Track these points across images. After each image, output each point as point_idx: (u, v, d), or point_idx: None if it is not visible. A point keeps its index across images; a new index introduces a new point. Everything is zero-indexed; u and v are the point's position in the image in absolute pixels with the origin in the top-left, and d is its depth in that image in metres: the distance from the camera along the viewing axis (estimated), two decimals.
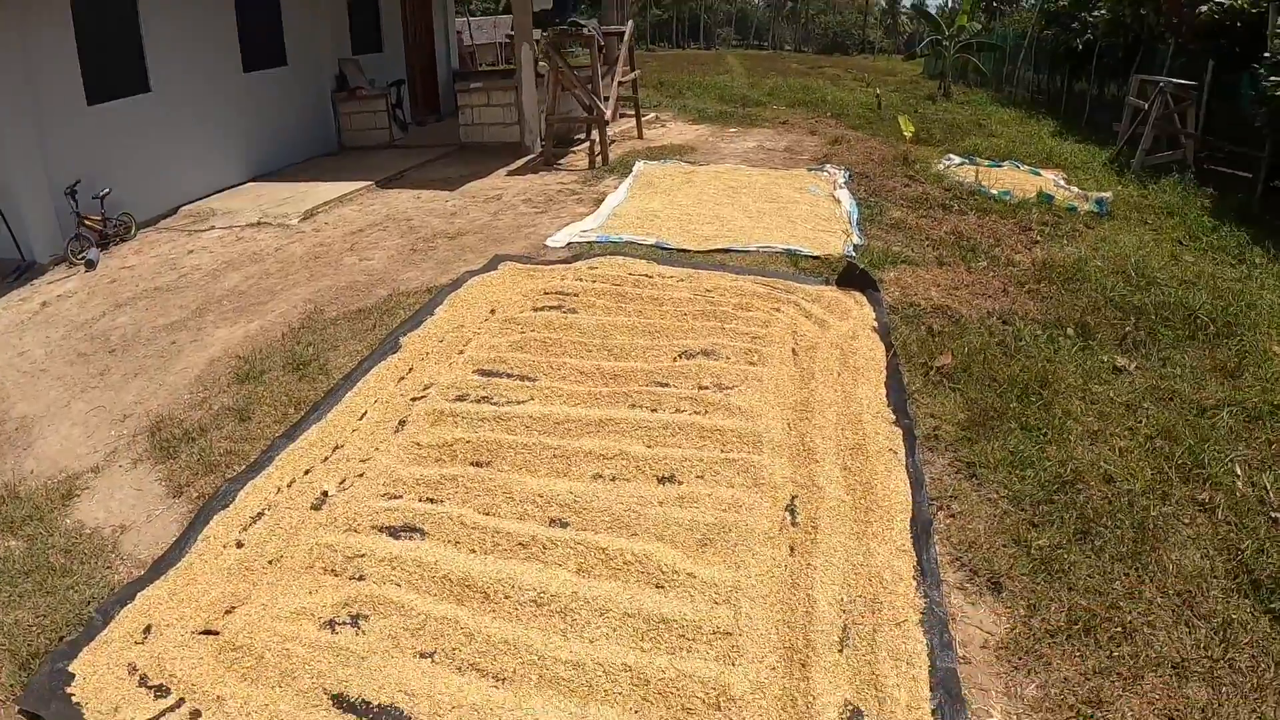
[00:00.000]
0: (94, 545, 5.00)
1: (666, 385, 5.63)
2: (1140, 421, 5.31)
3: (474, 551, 4.30)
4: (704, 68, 26.23)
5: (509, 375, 6.00)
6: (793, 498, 4.54)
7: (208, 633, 4.07)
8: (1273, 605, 3.84)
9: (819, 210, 9.60)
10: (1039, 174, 11.91)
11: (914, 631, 3.72)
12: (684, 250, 8.36)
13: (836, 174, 10.94)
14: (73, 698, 3.80)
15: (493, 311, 7.22)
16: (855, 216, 9.42)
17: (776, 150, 12.63)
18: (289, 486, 5.11)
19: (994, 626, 3.85)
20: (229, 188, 13.08)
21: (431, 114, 18.40)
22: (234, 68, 13.11)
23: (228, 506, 4.99)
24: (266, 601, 4.15)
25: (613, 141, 13.56)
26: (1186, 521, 4.41)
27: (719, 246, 8.37)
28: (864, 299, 7.10)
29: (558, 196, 10.90)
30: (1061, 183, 11.47)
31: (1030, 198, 10.14)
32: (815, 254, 8.13)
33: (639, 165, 11.79)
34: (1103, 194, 10.38)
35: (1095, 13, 17.54)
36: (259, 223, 11.14)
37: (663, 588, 3.95)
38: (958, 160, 12.14)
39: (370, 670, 3.69)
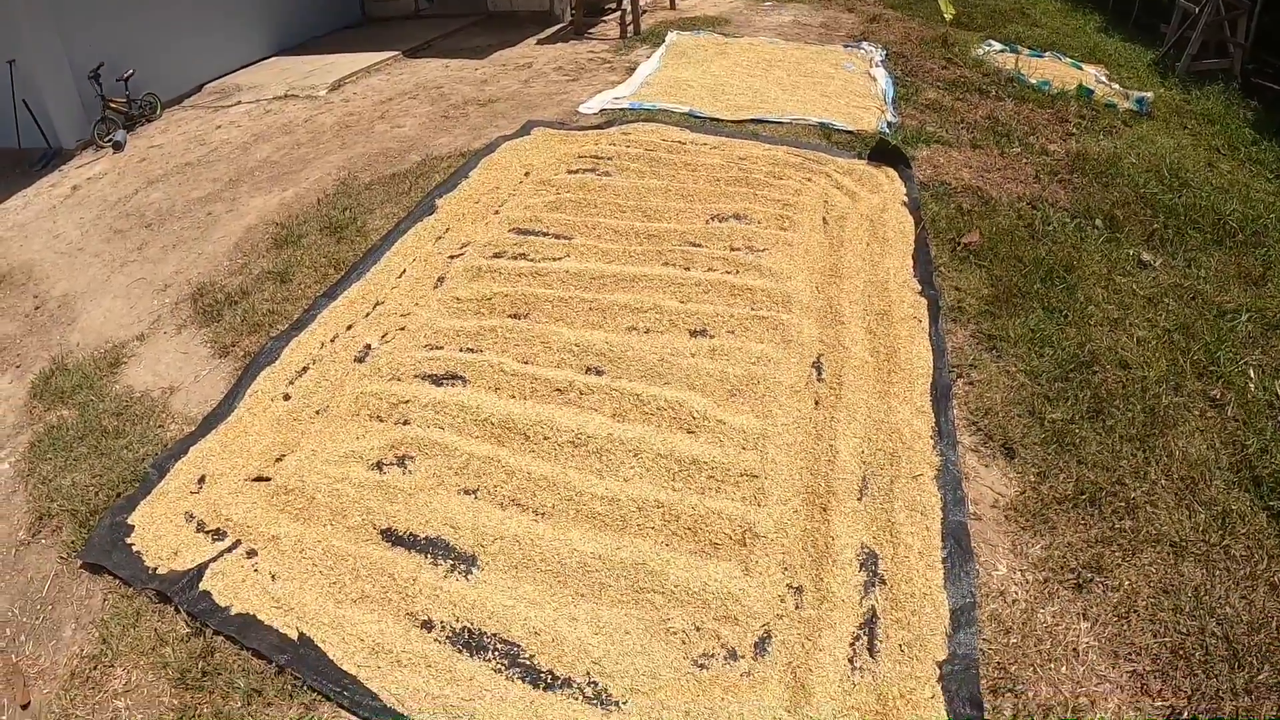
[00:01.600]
0: (144, 407, 5.23)
1: (699, 246, 5.76)
2: (1160, 315, 5.37)
3: (513, 397, 4.51)
4: None
5: (544, 234, 6.13)
6: (819, 356, 4.70)
7: (260, 479, 4.33)
8: (1272, 502, 3.97)
9: (853, 86, 9.47)
10: (1080, 68, 11.61)
11: (929, 486, 3.93)
12: (717, 119, 8.32)
13: (873, 52, 10.72)
14: (133, 547, 4.09)
15: (527, 174, 7.29)
16: (890, 95, 9.29)
17: (812, 25, 12.34)
18: (332, 341, 5.34)
19: (1004, 489, 4.04)
20: (253, 63, 13.07)
21: None
22: None
23: (274, 362, 5.22)
24: (315, 448, 4.40)
25: (644, 11, 13.27)
26: (1196, 414, 4.52)
27: (752, 117, 8.32)
28: (895, 174, 7.10)
29: (589, 65, 10.76)
30: (1103, 79, 11.19)
31: (1069, 90, 9.92)
32: (849, 128, 8.07)
33: (671, 36, 11.57)
34: (1144, 93, 10.16)
35: None
36: (286, 95, 11.16)
37: (693, 433, 4.16)
38: (998, 47, 11.83)
39: (417, 506, 3.94)
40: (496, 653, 3.33)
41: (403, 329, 5.25)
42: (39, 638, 4.04)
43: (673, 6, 13.61)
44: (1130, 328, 5.20)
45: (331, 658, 3.39)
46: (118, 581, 4.03)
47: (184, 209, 7.94)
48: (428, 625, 3.47)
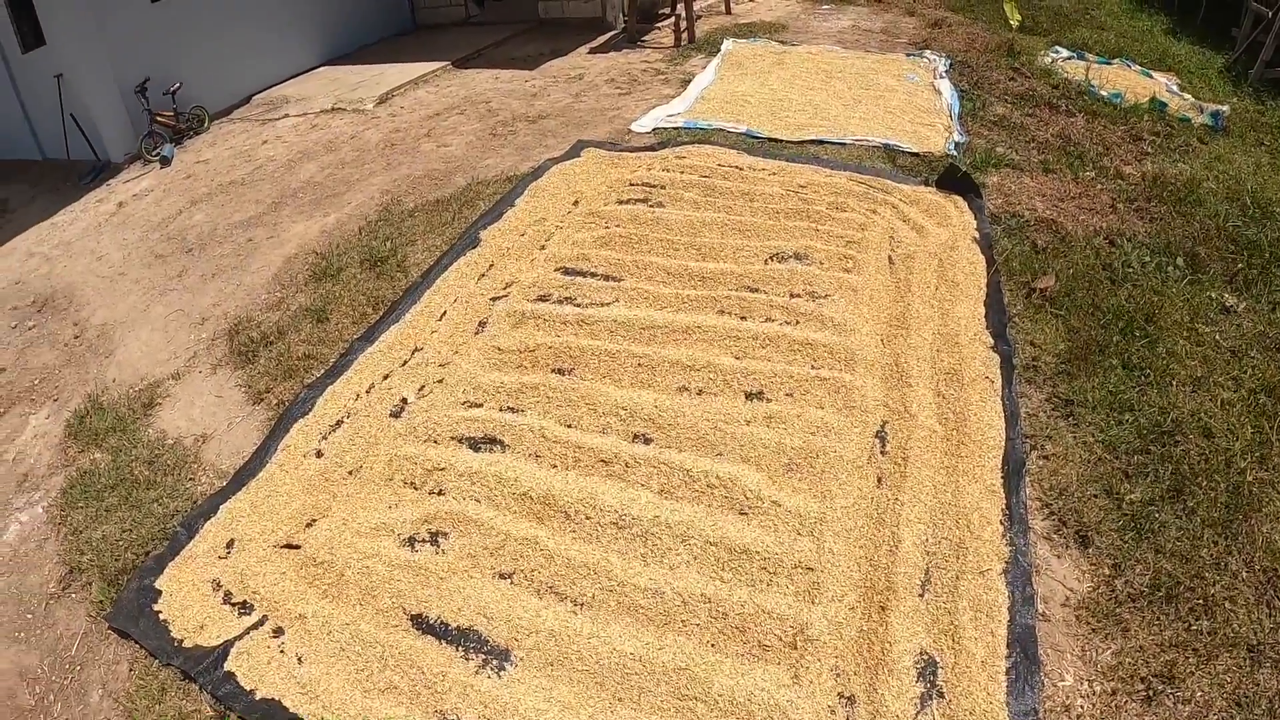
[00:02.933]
0: (176, 456, 5.12)
1: (757, 291, 5.45)
2: (1245, 371, 4.92)
3: (555, 467, 4.27)
4: None
5: (593, 274, 5.87)
6: (883, 423, 4.39)
7: (289, 546, 4.17)
8: None
9: (917, 101, 9.05)
10: (1150, 76, 11.02)
11: (997, 582, 3.60)
12: (776, 140, 7.98)
13: (937, 61, 10.26)
14: (160, 614, 3.98)
15: (576, 203, 7.03)
16: (956, 110, 8.86)
17: (872, 31, 11.89)
18: (367, 393, 5.15)
19: (1077, 583, 3.71)
20: (301, 73, 13.05)
21: None
22: None
23: (307, 414, 5.06)
24: (347, 516, 4.23)
25: (699, 17, 12.93)
26: None
27: (812, 137, 7.96)
28: (964, 205, 6.70)
29: (642, 77, 10.46)
30: (1174, 89, 10.61)
31: (1142, 104, 9.40)
32: (914, 150, 7.68)
33: (727, 44, 11.22)
34: (1219, 107, 9.58)
35: None
36: (333, 109, 11.05)
37: (746, 514, 3.89)
38: (1065, 54, 11.27)
39: (450, 592, 3.74)
40: None
41: (441, 381, 5.04)
42: (67, 700, 3.98)
43: (728, 11, 13.23)
44: (1214, 388, 4.77)
45: None
46: (144, 650, 3.93)
47: (225, 233, 7.87)
48: None
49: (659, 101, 9.40)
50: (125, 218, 8.80)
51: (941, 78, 9.67)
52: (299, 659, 3.65)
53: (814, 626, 3.38)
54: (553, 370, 4.93)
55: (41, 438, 5.71)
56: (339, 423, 4.92)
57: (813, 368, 4.70)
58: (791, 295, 5.36)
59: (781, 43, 11.30)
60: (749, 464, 4.12)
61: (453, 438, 4.51)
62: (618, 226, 6.43)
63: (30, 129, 11.25)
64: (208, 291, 6.94)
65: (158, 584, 4.16)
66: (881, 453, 4.22)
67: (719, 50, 11.00)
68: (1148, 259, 6.06)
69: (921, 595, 3.55)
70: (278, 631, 3.79)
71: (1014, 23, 11.50)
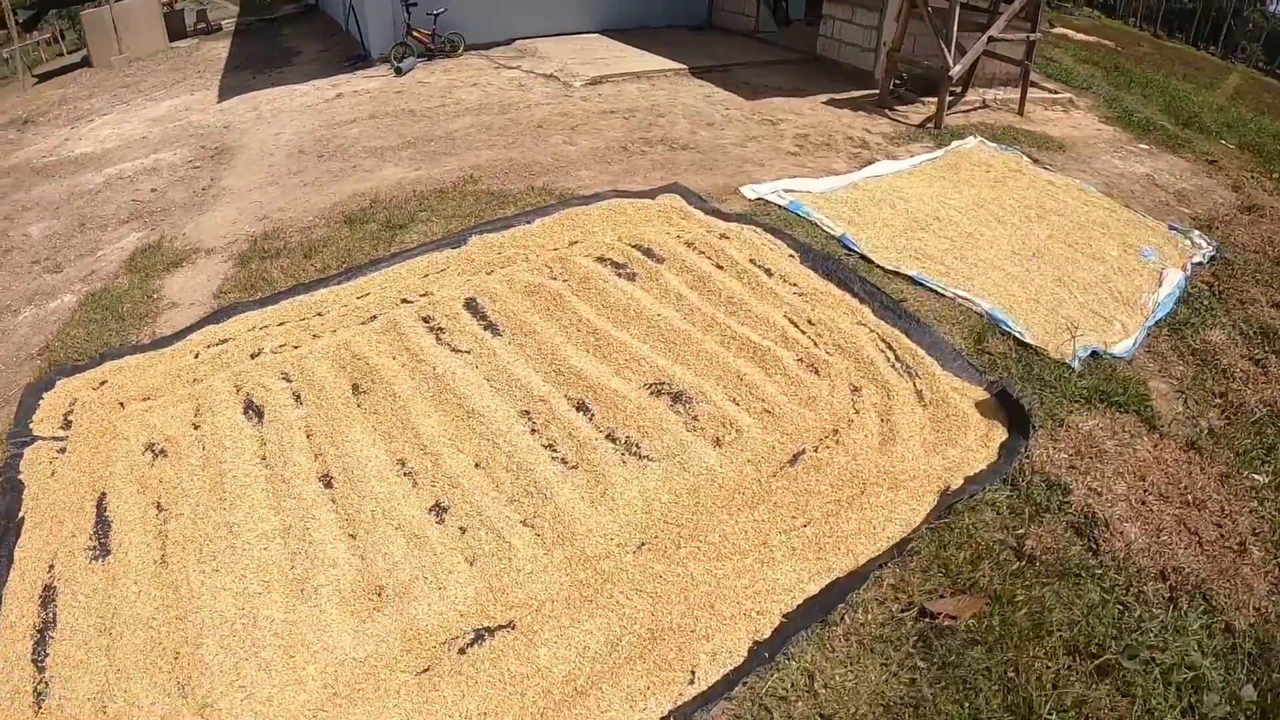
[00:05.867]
0: (146, 309, 5.95)
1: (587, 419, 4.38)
2: None
3: None
4: (1194, 74, 20.63)
5: (483, 317, 5.41)
6: None
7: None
8: None
9: (1119, 284, 6.82)
10: None
11: None
12: (866, 259, 6.32)
13: (1197, 248, 7.76)
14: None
15: (574, 243, 6.15)
16: (1163, 313, 6.58)
17: (1166, 189, 9.31)
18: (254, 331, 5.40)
19: None
20: (576, 33, 13.09)
21: None
22: None
23: (219, 324, 5.50)
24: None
25: (979, 107, 10.97)
26: None
27: (912, 273, 6.20)
28: (1000, 432, 4.80)
29: (840, 143, 8.95)
30: None
31: None
32: (1025, 337, 5.71)
33: (968, 141, 9.31)
34: None
35: None
36: (551, 75, 10.97)
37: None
38: None
39: None
40: None
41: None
42: None
43: (1021, 113, 11.06)
44: None
45: None
46: None
47: (351, 153, 8.43)
48: None
49: (819, 173, 7.92)
50: (328, 107, 9.93)
51: (1184, 270, 7.27)
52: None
53: None
54: (352, 384, 4.85)
55: (121, 252, 6.86)
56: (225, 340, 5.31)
57: None
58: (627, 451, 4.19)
59: (1035, 161, 9.18)
60: None
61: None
62: (562, 280, 5.49)
63: (343, 4, 12.93)
64: (293, 195, 7.54)
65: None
66: None
67: (949, 144, 9.15)
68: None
69: None
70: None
71: None
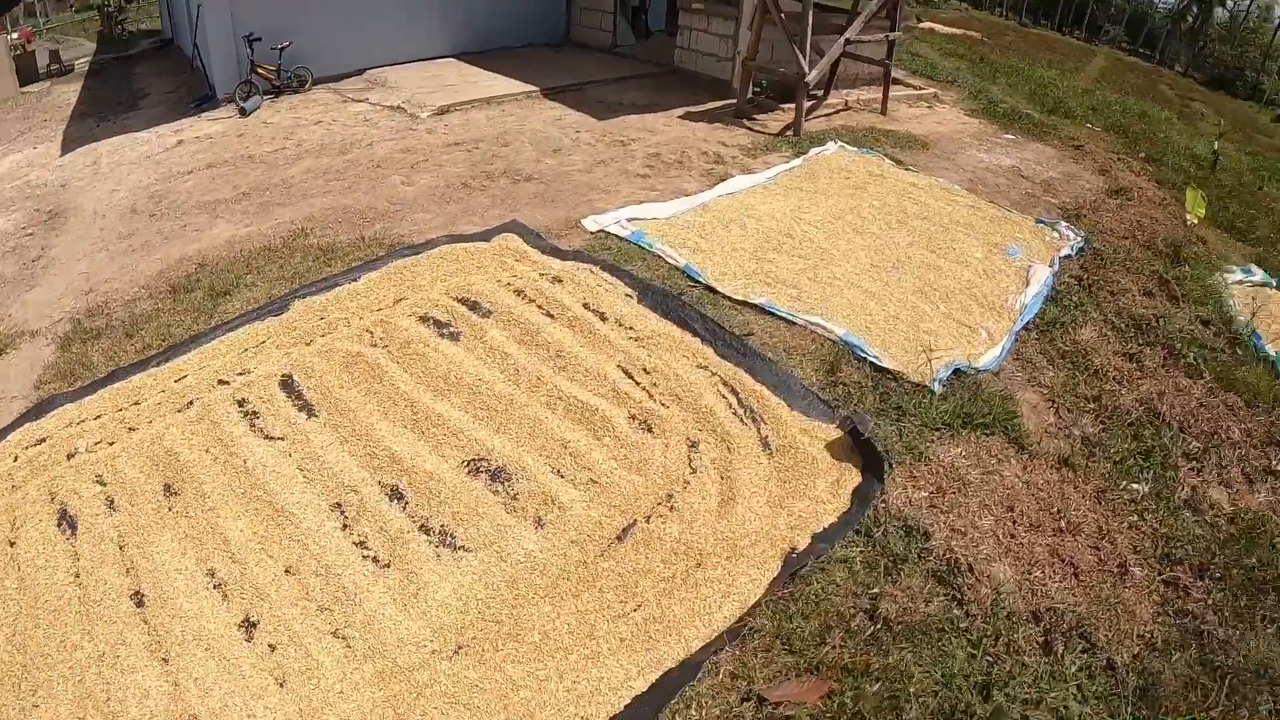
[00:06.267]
0: None
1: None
2: None
3: None
4: (1059, 60, 20.92)
5: (299, 397, 4.81)
6: None
7: None
8: None
9: (984, 288, 6.50)
10: None
11: None
12: (712, 289, 5.86)
13: (1066, 239, 7.51)
14: None
15: (398, 301, 5.58)
16: (1031, 313, 6.28)
17: (1033, 179, 9.10)
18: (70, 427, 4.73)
19: None
20: (428, 59, 12.41)
21: None
22: None
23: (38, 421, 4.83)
24: None
25: (842, 109, 10.70)
26: None
27: (760, 301, 5.76)
28: (853, 477, 4.36)
29: (693, 160, 8.51)
30: None
31: None
32: (882, 362, 5.31)
33: (829, 147, 8.98)
34: None
35: None
36: (398, 107, 10.34)
37: None
38: (1258, 277, 7.92)
39: None
40: None
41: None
42: None
43: (884, 112, 10.80)
44: None
45: None
46: None
47: (183, 210, 7.76)
48: None
49: (665, 195, 7.47)
50: (164, 159, 9.13)
51: (1049, 265, 6.99)
52: None
53: None
54: (164, 484, 4.24)
55: None
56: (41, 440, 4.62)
57: None
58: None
59: (898, 162, 8.89)
60: None
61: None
62: (382, 347, 5.05)
63: (192, 38, 12.05)
64: (118, 263, 6.82)
65: None
66: None
67: (808, 151, 8.80)
68: None
69: None
70: None
71: (1193, 219, 8.34)
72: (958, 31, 21.11)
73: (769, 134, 9.58)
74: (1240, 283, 7.68)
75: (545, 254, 6.16)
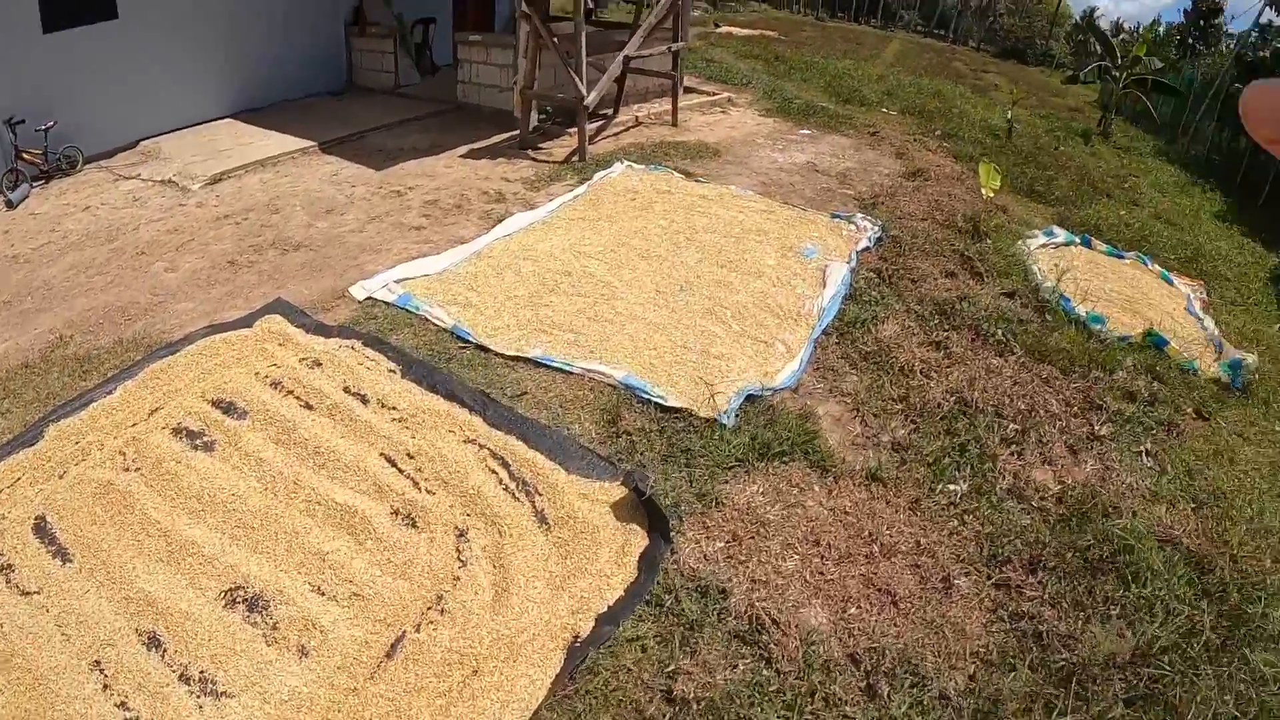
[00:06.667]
0: None
1: None
2: None
3: None
4: (856, 49, 21.59)
5: (53, 541, 4.12)
6: None
7: None
8: None
9: (779, 298, 6.29)
10: (1171, 283, 7.82)
11: None
12: (484, 348, 5.43)
13: (864, 231, 7.42)
14: None
15: (154, 411, 4.96)
16: (829, 315, 6.09)
17: (829, 173, 9.06)
18: None
19: None
20: (206, 121, 11.50)
21: None
22: None
23: None
24: None
25: (633, 126, 10.46)
26: None
27: (532, 354, 5.35)
28: (640, 538, 4.00)
29: (473, 202, 8.08)
30: (1195, 307, 7.35)
31: (1134, 337, 6.32)
32: (667, 402, 4.97)
33: (614, 170, 8.70)
34: (1244, 356, 6.38)
35: None
36: (169, 180, 9.50)
37: None
38: (1060, 238, 8.11)
39: None
40: None
41: None
42: None
43: (675, 123, 10.63)
44: None
45: None
46: None
47: None
48: None
49: (444, 246, 7.00)
50: None
51: (845, 262, 6.85)
52: None
53: None
54: None
55: None
56: None
57: None
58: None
59: (688, 174, 8.68)
60: None
61: None
62: (135, 470, 4.46)
63: None
64: None
65: None
66: None
67: (593, 176, 8.49)
68: None
69: None
70: None
71: (988, 192, 8.45)
72: (755, 33, 21.39)
73: (555, 162, 9.24)
74: (1044, 246, 7.78)
75: (310, 333, 5.62)
